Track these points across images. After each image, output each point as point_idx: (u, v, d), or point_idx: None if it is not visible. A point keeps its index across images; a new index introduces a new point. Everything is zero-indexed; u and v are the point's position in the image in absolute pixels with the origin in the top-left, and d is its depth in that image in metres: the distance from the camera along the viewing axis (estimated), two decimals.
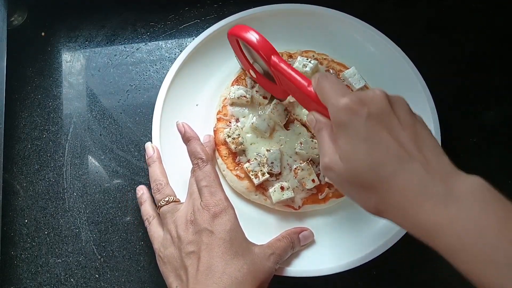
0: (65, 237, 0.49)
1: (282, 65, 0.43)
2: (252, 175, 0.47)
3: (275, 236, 0.45)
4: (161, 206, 0.44)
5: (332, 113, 0.35)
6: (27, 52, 0.58)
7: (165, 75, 0.52)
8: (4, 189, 0.50)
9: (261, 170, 0.47)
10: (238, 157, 0.49)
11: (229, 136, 0.49)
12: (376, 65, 0.55)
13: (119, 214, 0.50)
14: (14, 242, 0.49)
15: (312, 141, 0.49)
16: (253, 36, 0.44)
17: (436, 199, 0.30)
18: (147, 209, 0.46)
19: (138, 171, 0.52)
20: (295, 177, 0.48)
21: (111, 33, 0.60)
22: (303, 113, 0.51)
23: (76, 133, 0.54)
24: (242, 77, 0.53)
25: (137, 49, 0.59)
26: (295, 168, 0.48)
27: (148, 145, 0.49)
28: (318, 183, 0.48)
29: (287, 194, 0.47)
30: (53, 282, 0.47)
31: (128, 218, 0.50)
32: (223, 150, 0.50)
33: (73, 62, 0.58)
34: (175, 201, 0.45)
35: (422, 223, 0.30)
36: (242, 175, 0.48)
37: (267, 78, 0.49)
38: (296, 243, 0.45)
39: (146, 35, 0.59)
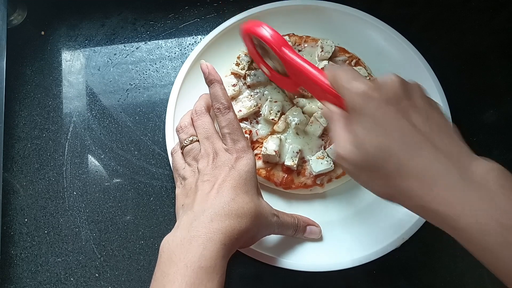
0: (65, 236, 0.49)
1: (293, 55, 0.43)
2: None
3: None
4: (185, 146, 0.45)
5: (347, 99, 0.35)
6: (26, 51, 0.58)
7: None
8: (4, 188, 0.50)
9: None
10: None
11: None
12: (385, 59, 0.55)
13: (119, 213, 0.50)
14: (14, 241, 0.49)
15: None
16: (263, 30, 0.44)
17: (454, 184, 0.29)
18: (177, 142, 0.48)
19: (138, 170, 0.52)
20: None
21: (111, 32, 0.59)
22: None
23: (76, 132, 0.54)
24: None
25: (137, 48, 0.59)
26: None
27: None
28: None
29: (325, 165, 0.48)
30: (53, 281, 0.47)
31: (128, 217, 0.50)
32: None
33: (72, 61, 0.58)
34: (198, 141, 0.45)
35: (438, 208, 0.30)
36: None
37: (280, 74, 0.50)
38: (300, 230, 0.45)
39: (146, 34, 0.59)
